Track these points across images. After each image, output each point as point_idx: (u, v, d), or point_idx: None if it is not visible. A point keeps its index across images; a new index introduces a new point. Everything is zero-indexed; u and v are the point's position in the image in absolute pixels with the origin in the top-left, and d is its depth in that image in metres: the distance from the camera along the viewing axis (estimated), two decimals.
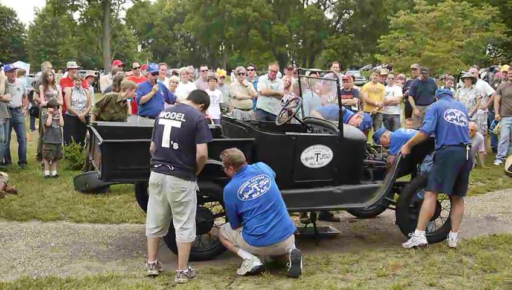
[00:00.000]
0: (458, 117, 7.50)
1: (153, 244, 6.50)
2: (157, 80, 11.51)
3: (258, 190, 6.45)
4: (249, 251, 6.49)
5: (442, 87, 15.22)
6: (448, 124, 7.40)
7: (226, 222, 6.85)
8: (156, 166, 6.26)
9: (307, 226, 8.22)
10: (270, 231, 6.37)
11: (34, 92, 12.78)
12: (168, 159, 6.20)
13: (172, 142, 6.22)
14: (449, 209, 7.82)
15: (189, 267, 6.33)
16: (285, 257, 6.47)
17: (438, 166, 7.46)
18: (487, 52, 44.36)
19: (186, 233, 6.29)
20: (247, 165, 6.62)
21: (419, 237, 7.43)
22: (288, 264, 6.38)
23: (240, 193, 6.44)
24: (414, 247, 7.39)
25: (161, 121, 6.37)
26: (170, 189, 6.18)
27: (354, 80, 15.82)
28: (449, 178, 7.36)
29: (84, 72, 17.97)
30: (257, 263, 6.42)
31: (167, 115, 6.37)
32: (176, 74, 16.40)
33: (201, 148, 6.23)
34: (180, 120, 6.24)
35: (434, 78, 16.91)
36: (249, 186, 6.46)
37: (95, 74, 19.60)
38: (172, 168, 6.17)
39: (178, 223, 6.31)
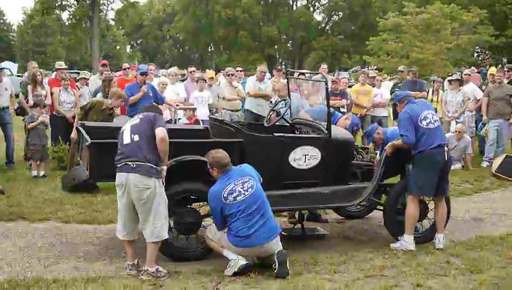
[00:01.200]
0: (431, 119, 7.51)
1: (127, 245, 6.53)
2: (146, 81, 11.46)
3: (243, 192, 6.44)
4: (234, 252, 6.49)
5: (431, 89, 15.32)
6: (425, 129, 7.40)
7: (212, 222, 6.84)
8: (119, 165, 6.27)
9: (295, 227, 8.23)
10: (255, 232, 6.38)
11: (20, 93, 12.72)
12: (130, 154, 6.20)
13: (132, 135, 6.31)
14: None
15: (157, 267, 6.31)
16: (272, 258, 6.47)
17: (418, 169, 7.44)
18: (475, 54, 44.66)
19: (155, 232, 6.24)
20: (232, 167, 6.59)
21: (408, 242, 7.45)
22: (275, 265, 6.38)
23: (225, 195, 6.42)
24: (401, 249, 7.43)
25: (121, 130, 6.50)
26: (134, 188, 6.14)
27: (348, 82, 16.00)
28: (430, 181, 7.37)
29: (78, 73, 17.64)
30: (243, 261, 6.41)
31: (125, 125, 6.58)
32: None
33: (160, 131, 6.24)
34: (138, 118, 6.50)
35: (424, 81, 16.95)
36: (234, 188, 6.44)
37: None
38: (134, 165, 6.14)
39: (146, 223, 6.24)
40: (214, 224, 6.74)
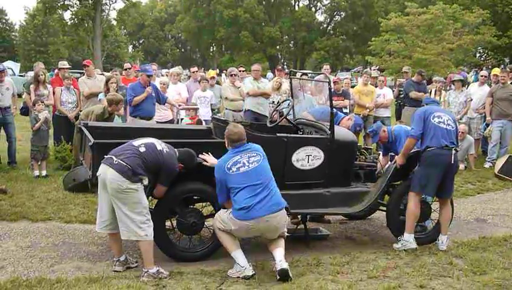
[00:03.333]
0: (445, 120, 7.51)
1: (111, 240, 6.56)
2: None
3: (247, 164, 6.41)
4: (241, 233, 6.45)
5: (433, 89, 15.32)
6: (435, 126, 7.41)
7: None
8: (105, 156, 6.29)
9: (298, 227, 8.21)
10: (259, 203, 6.31)
11: (25, 93, 12.72)
12: (121, 153, 6.20)
13: (143, 145, 6.31)
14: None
15: (158, 268, 6.29)
16: (276, 241, 6.47)
17: (422, 168, 7.45)
18: (477, 55, 44.63)
19: (124, 233, 6.23)
20: (244, 145, 6.57)
21: (408, 241, 7.44)
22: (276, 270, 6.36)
23: (228, 166, 6.40)
24: (404, 249, 7.42)
25: (143, 139, 6.51)
26: (110, 183, 6.11)
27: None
28: (433, 180, 7.36)
29: (81, 73, 17.25)
30: (249, 272, 6.34)
31: (151, 138, 6.56)
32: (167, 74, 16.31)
33: (160, 188, 6.52)
34: (165, 145, 6.49)
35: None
36: (239, 160, 6.42)
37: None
38: (116, 162, 6.13)
39: (119, 220, 6.23)
40: (219, 212, 6.66)
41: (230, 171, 6.40)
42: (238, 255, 6.45)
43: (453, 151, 7.43)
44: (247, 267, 6.37)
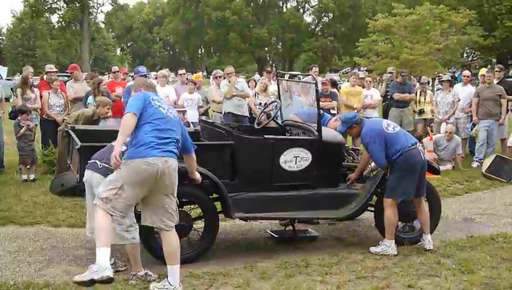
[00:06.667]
0: (392, 124, 7.69)
1: None
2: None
3: (166, 110, 5.94)
4: (128, 182, 5.65)
5: (419, 90, 15.36)
6: (391, 134, 7.40)
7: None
8: (89, 161, 6.28)
9: (286, 228, 8.22)
10: (157, 146, 5.68)
11: (14, 97, 12.66)
12: (104, 156, 6.13)
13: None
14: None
15: (146, 271, 6.29)
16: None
17: (401, 173, 7.30)
18: (464, 55, 44.90)
19: (112, 236, 6.08)
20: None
21: (389, 247, 7.37)
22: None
23: (150, 97, 5.89)
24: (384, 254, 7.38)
25: None
26: (95, 188, 6.07)
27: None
28: (413, 183, 7.32)
29: (68, 76, 17.07)
30: (109, 273, 5.45)
31: None
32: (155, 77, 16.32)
33: None
34: None
35: (411, 82, 17.03)
36: (160, 101, 6.01)
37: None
38: (101, 166, 6.13)
39: None
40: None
41: (151, 101, 5.83)
42: (108, 252, 5.64)
43: (420, 148, 7.52)
44: (108, 267, 5.51)
